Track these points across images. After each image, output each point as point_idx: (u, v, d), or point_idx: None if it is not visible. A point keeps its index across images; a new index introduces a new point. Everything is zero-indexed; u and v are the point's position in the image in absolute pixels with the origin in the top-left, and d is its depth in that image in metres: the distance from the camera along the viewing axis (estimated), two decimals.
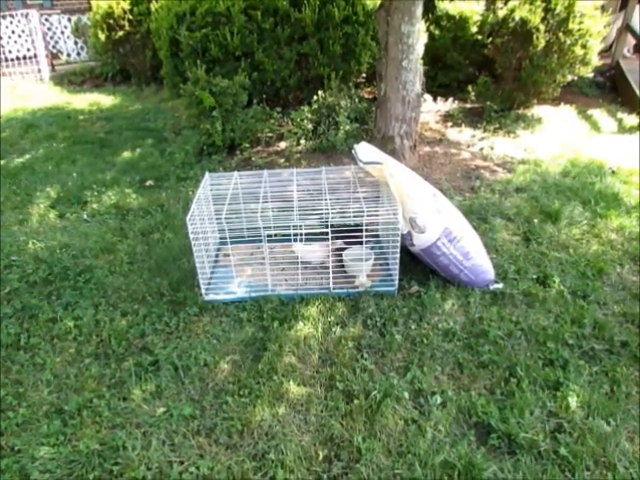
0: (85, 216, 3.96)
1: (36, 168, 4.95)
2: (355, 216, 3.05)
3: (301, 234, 2.97)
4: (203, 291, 2.83)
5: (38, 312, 2.78)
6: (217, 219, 3.22)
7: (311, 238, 3.04)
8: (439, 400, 2.14)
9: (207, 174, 3.18)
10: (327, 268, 2.83)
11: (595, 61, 5.39)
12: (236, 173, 3.16)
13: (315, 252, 3.03)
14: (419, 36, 4.10)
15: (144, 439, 2.03)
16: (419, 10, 4.00)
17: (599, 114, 5.76)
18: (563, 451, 1.90)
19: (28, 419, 2.14)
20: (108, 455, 1.96)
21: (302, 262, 2.94)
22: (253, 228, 3.13)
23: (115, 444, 1.99)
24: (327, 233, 2.79)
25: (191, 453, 1.96)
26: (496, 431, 1.99)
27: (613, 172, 4.27)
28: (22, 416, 2.14)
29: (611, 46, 7.46)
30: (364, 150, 2.96)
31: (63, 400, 2.23)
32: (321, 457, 1.93)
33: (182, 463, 1.93)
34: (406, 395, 2.17)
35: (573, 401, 2.10)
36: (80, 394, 2.25)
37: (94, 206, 4.12)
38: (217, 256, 3.28)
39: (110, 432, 2.06)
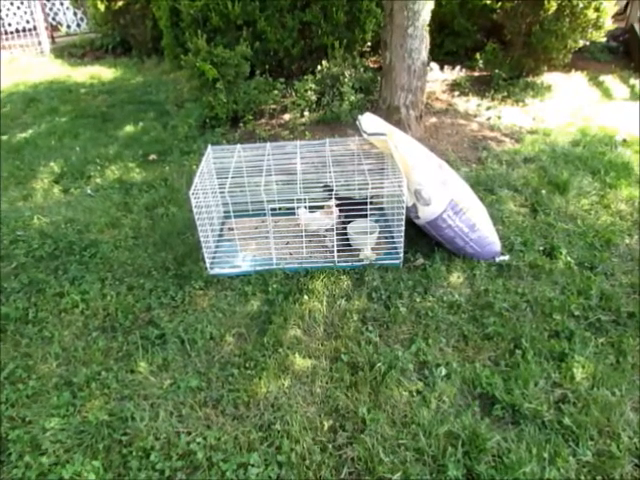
0: (89, 191, 3.95)
1: (39, 143, 4.92)
2: (360, 189, 3.02)
3: (305, 206, 2.95)
4: (208, 265, 2.83)
5: (45, 286, 2.80)
6: (221, 193, 3.20)
7: (315, 211, 3.02)
8: (444, 372, 2.15)
9: (210, 147, 3.14)
10: (332, 236, 2.81)
11: (608, 25, 5.19)
12: (239, 146, 3.12)
13: (319, 220, 3.00)
14: (425, 2, 3.96)
15: (152, 410, 2.06)
16: None
17: (611, 80, 5.60)
18: (567, 421, 1.91)
19: (38, 391, 2.18)
20: (117, 426, 2.00)
21: (306, 233, 2.92)
22: (257, 202, 3.11)
23: (124, 415, 2.03)
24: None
25: (198, 424, 2.00)
26: (500, 402, 2.00)
27: (624, 141, 4.17)
28: (32, 388, 2.18)
29: (625, 8, 7.18)
30: (368, 121, 2.89)
31: (72, 372, 2.26)
32: (326, 427, 1.96)
33: (189, 433, 1.96)
34: (411, 367, 2.18)
35: (578, 372, 2.11)
36: (88, 366, 2.29)
37: (98, 181, 4.10)
38: (221, 230, 3.26)
39: (118, 403, 2.10)
